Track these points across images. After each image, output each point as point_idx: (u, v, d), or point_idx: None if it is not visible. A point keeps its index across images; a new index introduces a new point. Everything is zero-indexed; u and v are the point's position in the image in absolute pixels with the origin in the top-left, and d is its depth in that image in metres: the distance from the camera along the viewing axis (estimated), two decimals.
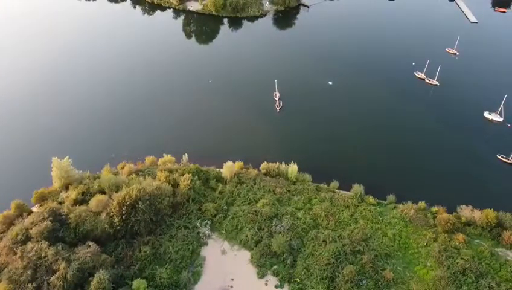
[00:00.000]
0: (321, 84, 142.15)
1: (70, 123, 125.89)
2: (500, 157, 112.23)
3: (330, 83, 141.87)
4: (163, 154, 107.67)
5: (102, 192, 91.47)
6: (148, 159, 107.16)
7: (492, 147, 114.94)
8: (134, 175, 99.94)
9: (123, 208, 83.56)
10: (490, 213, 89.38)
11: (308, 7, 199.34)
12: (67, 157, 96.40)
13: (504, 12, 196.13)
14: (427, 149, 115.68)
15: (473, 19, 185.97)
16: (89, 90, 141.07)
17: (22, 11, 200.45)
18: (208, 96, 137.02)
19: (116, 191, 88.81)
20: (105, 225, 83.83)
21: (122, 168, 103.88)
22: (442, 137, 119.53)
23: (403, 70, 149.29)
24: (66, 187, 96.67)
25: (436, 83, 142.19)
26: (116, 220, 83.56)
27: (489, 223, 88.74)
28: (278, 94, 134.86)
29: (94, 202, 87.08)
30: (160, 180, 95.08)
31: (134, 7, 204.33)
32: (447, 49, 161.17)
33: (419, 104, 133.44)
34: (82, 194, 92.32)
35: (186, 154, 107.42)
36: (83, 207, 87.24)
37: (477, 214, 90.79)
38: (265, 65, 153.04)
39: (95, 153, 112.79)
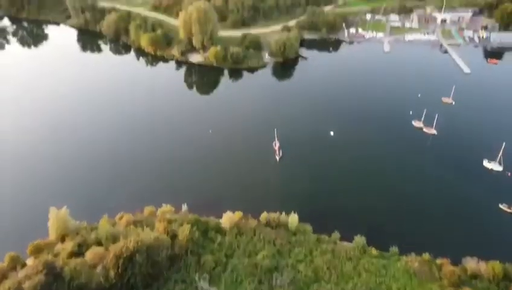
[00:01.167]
0: (321, 134, 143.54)
1: (69, 171, 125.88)
2: (502, 207, 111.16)
3: (332, 133, 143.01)
4: (163, 204, 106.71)
5: (100, 243, 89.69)
6: (147, 209, 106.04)
7: (494, 197, 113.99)
8: (132, 226, 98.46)
9: (119, 261, 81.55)
10: (496, 265, 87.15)
11: (306, 58, 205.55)
12: (65, 207, 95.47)
13: (496, 63, 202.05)
14: (428, 198, 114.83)
15: (466, 70, 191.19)
16: (89, 138, 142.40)
17: (28, 60, 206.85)
18: (208, 145, 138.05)
19: (114, 243, 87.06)
20: (101, 279, 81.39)
21: (121, 218, 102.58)
22: (443, 186, 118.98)
23: (401, 120, 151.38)
24: (62, 238, 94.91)
25: (434, 131, 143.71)
26: (112, 273, 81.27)
27: (495, 276, 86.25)
28: (277, 143, 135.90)
29: (90, 254, 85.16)
30: (158, 231, 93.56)
31: (138, 59, 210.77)
32: (443, 99, 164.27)
33: (419, 152, 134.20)
34: (78, 246, 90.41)
35: (185, 204, 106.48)
36: (79, 259, 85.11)
37: (483, 267, 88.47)
38: (265, 115, 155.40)
39: (93, 202, 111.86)
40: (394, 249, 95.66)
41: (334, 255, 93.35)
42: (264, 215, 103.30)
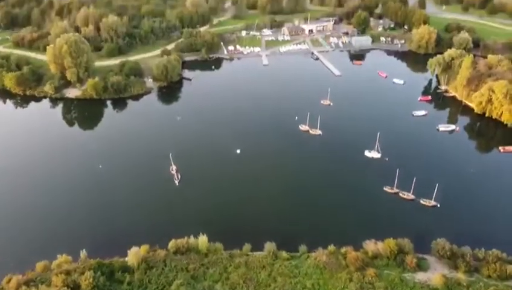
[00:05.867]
0: (220, 152, 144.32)
1: None
2: (386, 189, 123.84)
3: (238, 151, 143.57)
4: (57, 255, 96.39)
5: None
6: (40, 265, 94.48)
7: (377, 181, 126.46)
8: (24, 287, 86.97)
9: None
10: (391, 242, 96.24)
11: (190, 80, 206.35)
12: None
13: (360, 64, 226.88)
14: (322, 193, 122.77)
15: (337, 72, 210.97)
16: None
17: None
18: (100, 182, 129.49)
19: None
20: None
21: (8, 281, 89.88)
22: (334, 179, 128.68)
23: (289, 126, 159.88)
24: None
25: (320, 132, 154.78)
26: None
27: (392, 252, 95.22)
28: (174, 167, 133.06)
29: None
30: (57, 286, 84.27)
31: (4, 102, 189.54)
32: (322, 101, 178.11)
33: (309, 153, 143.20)
34: None
35: (84, 250, 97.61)
36: None
37: (380, 246, 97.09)
38: (158, 141, 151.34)
39: None
40: (303, 247, 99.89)
41: (248, 267, 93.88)
42: (172, 243, 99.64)
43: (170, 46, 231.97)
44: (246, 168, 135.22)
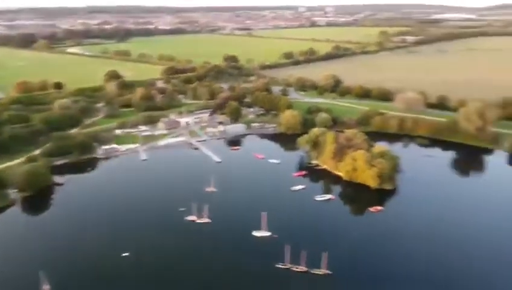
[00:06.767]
0: (105, 257, 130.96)
1: None
2: (279, 265, 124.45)
3: (126, 254, 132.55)
4: None
5: None
6: None
7: (269, 260, 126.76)
8: None
9: None
10: None
11: (62, 184, 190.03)
12: None
13: (238, 149, 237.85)
14: (217, 280, 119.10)
15: (217, 159, 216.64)
16: None
17: None
18: None
19: None
20: None
21: None
22: (225, 266, 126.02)
23: (175, 219, 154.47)
24: None
25: (209, 220, 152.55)
26: None
27: None
28: (47, 287, 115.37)
29: None
30: None
31: None
32: (206, 189, 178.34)
33: (198, 242, 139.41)
34: None
35: None
36: None
37: None
38: (25, 258, 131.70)
39: None
40: None
41: None
42: None
43: (37, 152, 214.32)
44: (135, 270, 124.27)
